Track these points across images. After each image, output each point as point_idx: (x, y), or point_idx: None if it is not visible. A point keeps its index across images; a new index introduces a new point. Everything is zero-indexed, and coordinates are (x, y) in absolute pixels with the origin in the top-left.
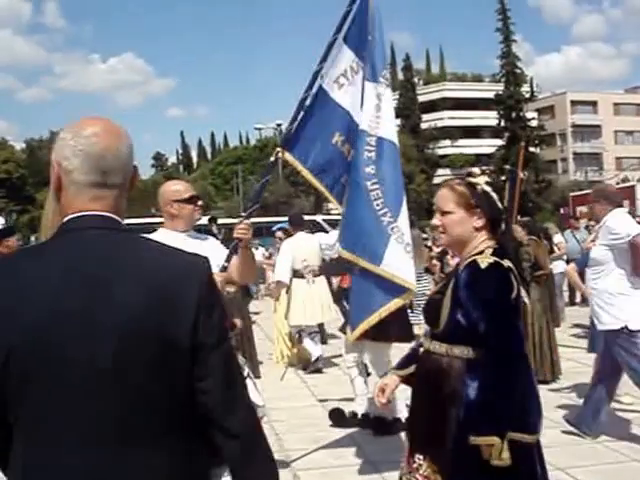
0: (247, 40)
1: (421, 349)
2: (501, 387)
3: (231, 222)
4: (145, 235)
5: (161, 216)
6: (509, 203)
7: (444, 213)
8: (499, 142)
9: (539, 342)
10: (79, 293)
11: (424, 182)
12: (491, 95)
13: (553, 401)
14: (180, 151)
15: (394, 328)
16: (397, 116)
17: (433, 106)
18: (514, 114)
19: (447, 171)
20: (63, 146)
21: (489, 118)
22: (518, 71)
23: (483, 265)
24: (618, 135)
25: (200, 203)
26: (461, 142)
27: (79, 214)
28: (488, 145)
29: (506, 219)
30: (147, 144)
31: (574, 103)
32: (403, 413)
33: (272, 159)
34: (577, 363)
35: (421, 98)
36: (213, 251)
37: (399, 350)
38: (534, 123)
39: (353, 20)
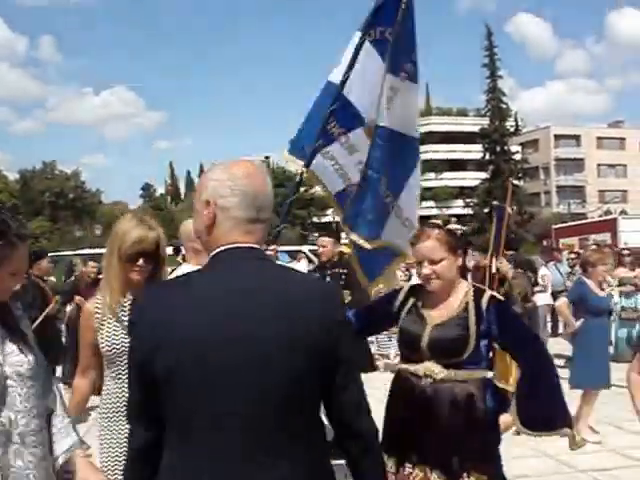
0: (236, 74)
1: (426, 380)
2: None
3: None
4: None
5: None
6: (496, 237)
7: (435, 262)
8: (483, 175)
9: None
10: (240, 311)
11: None
12: (476, 129)
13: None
14: (168, 182)
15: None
16: None
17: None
18: (499, 148)
19: (431, 203)
20: (219, 186)
21: (473, 151)
22: (503, 106)
23: (501, 299)
24: (601, 168)
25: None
26: (446, 175)
27: (234, 245)
28: (472, 178)
29: (495, 253)
30: (137, 175)
31: (558, 137)
32: None
33: (297, 179)
34: None
35: None
36: None
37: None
38: (518, 157)
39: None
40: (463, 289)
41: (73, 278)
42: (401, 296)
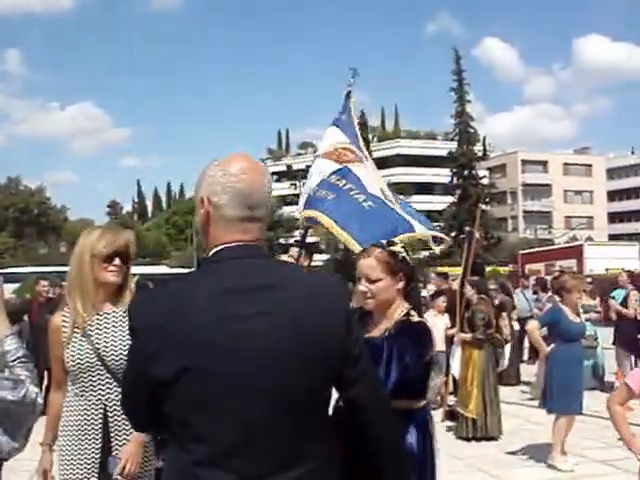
0: (205, 92)
1: None
2: None
3: (181, 272)
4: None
5: None
6: (465, 262)
7: (372, 281)
8: (450, 199)
9: (489, 400)
10: (245, 311)
11: None
12: (444, 153)
13: (498, 458)
14: (136, 200)
15: None
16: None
17: (387, 162)
18: (466, 172)
19: None
20: (213, 183)
21: (441, 175)
22: (471, 130)
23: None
24: (567, 194)
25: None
26: (413, 198)
27: (229, 245)
28: (439, 202)
29: (462, 277)
30: (103, 192)
31: (525, 162)
32: None
33: (302, 232)
34: (524, 420)
35: (375, 154)
36: None
37: None
38: (485, 181)
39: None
40: (398, 313)
41: (27, 297)
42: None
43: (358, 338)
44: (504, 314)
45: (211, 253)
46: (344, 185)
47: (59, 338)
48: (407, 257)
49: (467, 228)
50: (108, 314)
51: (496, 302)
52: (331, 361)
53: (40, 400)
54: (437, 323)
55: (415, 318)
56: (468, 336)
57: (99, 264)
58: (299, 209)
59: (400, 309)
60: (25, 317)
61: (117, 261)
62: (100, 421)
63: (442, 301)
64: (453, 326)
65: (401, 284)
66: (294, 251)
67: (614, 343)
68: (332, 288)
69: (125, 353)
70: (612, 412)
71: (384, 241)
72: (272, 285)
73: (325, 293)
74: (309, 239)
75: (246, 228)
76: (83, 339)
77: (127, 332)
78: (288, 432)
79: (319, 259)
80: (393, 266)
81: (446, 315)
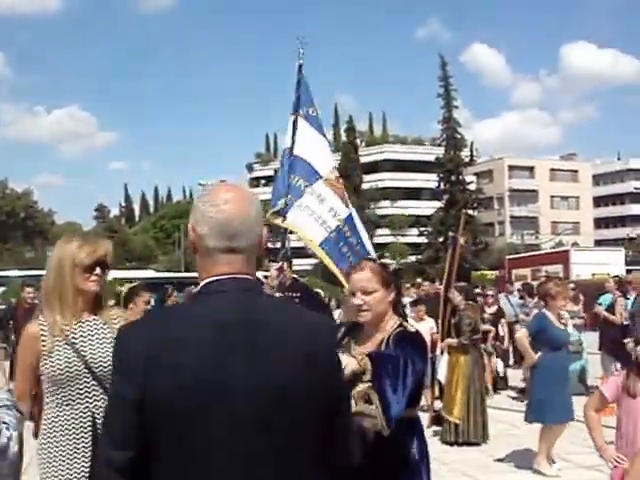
0: (192, 97)
1: None
2: None
3: (168, 276)
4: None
5: None
6: (449, 267)
7: (368, 293)
8: (438, 204)
9: (473, 405)
10: (227, 349)
11: None
12: (431, 158)
13: (483, 463)
14: (123, 204)
15: None
16: (340, 176)
17: (374, 167)
18: (453, 177)
19: (387, 231)
20: (196, 212)
21: (429, 181)
22: (458, 136)
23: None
24: (554, 200)
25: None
26: (401, 203)
27: (215, 277)
28: (427, 207)
29: (447, 283)
30: (90, 196)
31: (512, 168)
32: None
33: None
34: (510, 425)
35: (363, 159)
36: None
37: None
38: (473, 187)
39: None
40: (391, 325)
41: (13, 302)
42: (339, 333)
43: (344, 381)
44: (503, 320)
45: (201, 284)
46: (346, 233)
47: (36, 347)
48: (396, 269)
49: (451, 234)
50: (89, 322)
51: (494, 309)
52: (316, 400)
53: (14, 446)
54: (420, 329)
55: (411, 328)
56: (454, 341)
57: (80, 273)
58: (274, 212)
59: (392, 321)
60: (10, 323)
61: (98, 270)
62: (90, 430)
63: (420, 309)
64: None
65: (392, 296)
66: (273, 271)
67: (600, 348)
68: (321, 327)
69: (110, 360)
70: (587, 418)
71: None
72: (257, 322)
73: (313, 331)
74: (295, 244)
75: (229, 260)
76: (68, 347)
77: (110, 339)
78: (283, 466)
79: (307, 263)
80: (386, 278)
81: (430, 320)
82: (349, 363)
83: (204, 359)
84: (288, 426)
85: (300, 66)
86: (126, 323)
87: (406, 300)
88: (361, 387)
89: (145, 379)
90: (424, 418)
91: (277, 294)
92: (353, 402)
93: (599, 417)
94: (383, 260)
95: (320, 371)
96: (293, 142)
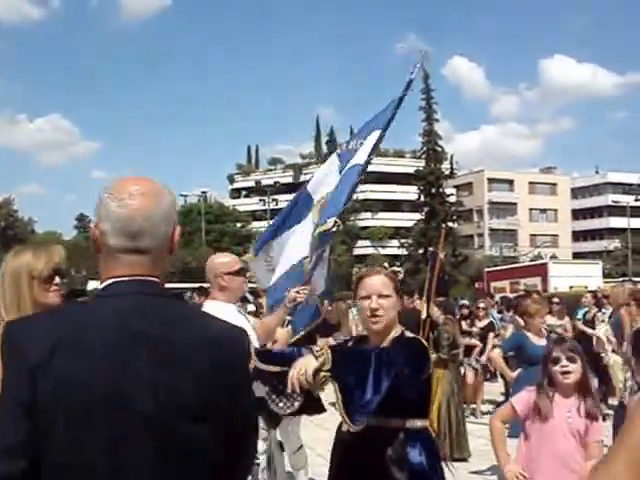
0: (174, 107)
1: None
2: None
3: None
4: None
5: None
6: (429, 282)
7: (384, 296)
8: (418, 216)
9: (455, 420)
10: (126, 354)
11: (345, 253)
12: (411, 170)
13: (465, 478)
14: None
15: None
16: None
17: None
18: (434, 190)
19: (367, 242)
20: (100, 206)
21: (409, 193)
22: (439, 149)
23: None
24: (532, 213)
25: (249, 275)
26: (381, 215)
27: (117, 279)
28: (407, 219)
29: (427, 298)
30: (71, 205)
31: (491, 181)
32: None
33: (332, 230)
34: (487, 440)
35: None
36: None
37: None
38: (453, 199)
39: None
40: (393, 334)
41: None
42: (350, 344)
43: (243, 398)
44: (491, 335)
45: (101, 286)
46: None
47: None
48: (402, 279)
49: (431, 249)
50: None
51: (485, 323)
52: (220, 411)
53: None
54: None
55: (410, 334)
56: (432, 356)
57: (40, 285)
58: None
59: (395, 330)
60: None
61: (57, 280)
62: None
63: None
64: None
65: (399, 305)
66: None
67: None
68: (229, 336)
69: None
70: (492, 428)
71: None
72: (151, 332)
73: (219, 341)
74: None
75: (133, 261)
76: None
77: None
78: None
79: None
80: (398, 286)
81: None
82: (308, 364)
83: (101, 362)
84: (181, 436)
85: (410, 82)
86: (22, 317)
87: None
88: (321, 375)
89: (37, 379)
90: None
91: None
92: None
93: (504, 429)
94: (394, 268)
95: (224, 384)
96: (369, 161)
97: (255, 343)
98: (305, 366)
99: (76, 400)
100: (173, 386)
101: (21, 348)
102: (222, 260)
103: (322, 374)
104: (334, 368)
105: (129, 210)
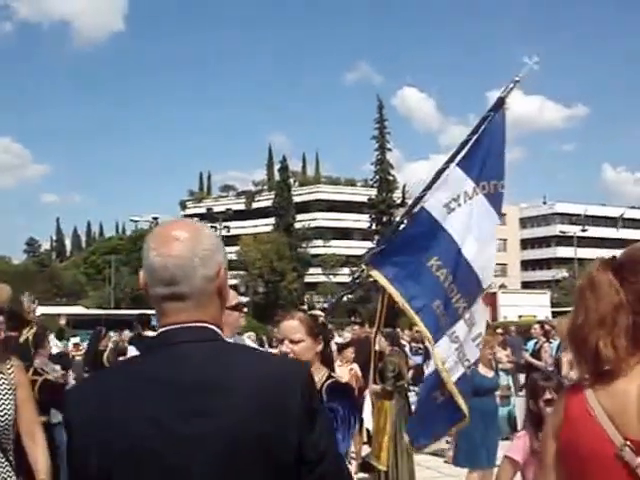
0: (127, 131)
1: None
2: None
3: (97, 313)
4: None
5: None
6: (379, 313)
7: (294, 342)
8: (369, 244)
9: (400, 451)
10: (171, 407)
11: (295, 280)
12: (363, 199)
13: None
14: (54, 238)
15: None
16: (272, 215)
17: (307, 207)
18: (385, 218)
19: (318, 270)
20: (142, 254)
21: (360, 221)
22: (390, 177)
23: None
24: None
25: (245, 310)
26: (333, 243)
27: (165, 329)
28: (358, 247)
29: (377, 328)
30: (21, 228)
31: None
32: None
33: (355, 275)
34: (436, 472)
35: (296, 199)
36: None
37: None
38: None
39: (473, 148)
40: (318, 377)
41: None
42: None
43: (318, 441)
44: None
45: (154, 336)
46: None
47: None
48: (326, 323)
49: None
50: None
51: None
52: (282, 465)
53: None
54: (343, 373)
55: (342, 380)
56: (378, 387)
57: None
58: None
59: (320, 372)
60: None
61: (1, 318)
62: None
63: (350, 352)
64: (364, 376)
65: (320, 347)
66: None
67: (521, 389)
68: (290, 378)
69: (9, 410)
70: None
71: (305, 307)
72: (212, 380)
73: (282, 383)
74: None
75: (174, 308)
76: None
77: (4, 390)
78: None
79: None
80: (314, 329)
81: (353, 365)
82: None
83: (150, 416)
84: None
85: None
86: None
87: (338, 340)
88: None
89: (91, 444)
90: (352, 466)
91: None
92: None
93: None
94: (314, 312)
95: (284, 424)
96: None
97: None
98: None
99: (125, 459)
100: (223, 432)
101: (76, 417)
102: None
103: None
104: None
105: (163, 258)
